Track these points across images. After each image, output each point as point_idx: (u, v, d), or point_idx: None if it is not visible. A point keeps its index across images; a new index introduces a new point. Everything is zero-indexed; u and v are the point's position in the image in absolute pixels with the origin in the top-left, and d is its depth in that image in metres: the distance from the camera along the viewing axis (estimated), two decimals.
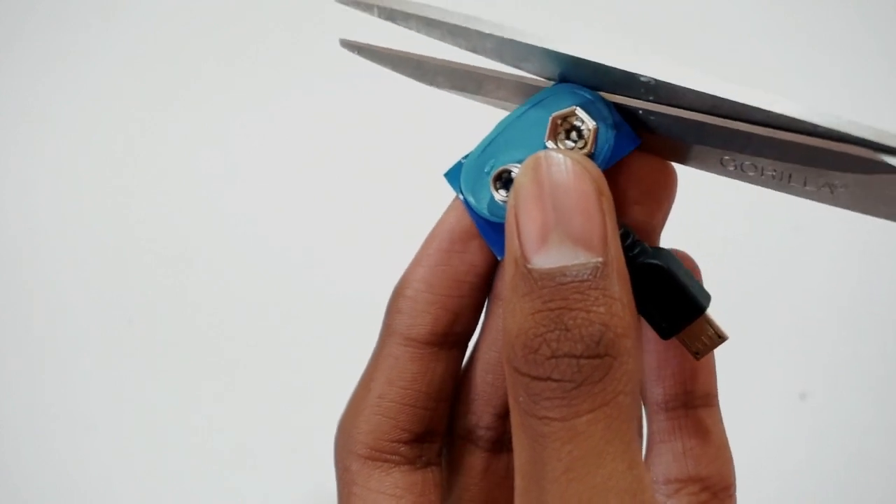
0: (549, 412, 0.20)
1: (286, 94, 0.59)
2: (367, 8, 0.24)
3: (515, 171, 0.23)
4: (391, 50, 0.25)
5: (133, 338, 0.56)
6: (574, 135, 0.23)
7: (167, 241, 0.58)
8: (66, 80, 0.60)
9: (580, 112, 0.23)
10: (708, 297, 0.24)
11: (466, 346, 0.26)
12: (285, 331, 0.56)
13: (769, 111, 0.21)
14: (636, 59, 0.22)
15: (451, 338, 0.26)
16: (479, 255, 0.25)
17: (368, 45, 0.26)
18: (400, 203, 0.57)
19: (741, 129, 0.21)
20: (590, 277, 0.20)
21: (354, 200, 0.58)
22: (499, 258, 0.25)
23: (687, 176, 0.25)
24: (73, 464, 0.55)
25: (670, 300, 0.23)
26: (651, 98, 0.22)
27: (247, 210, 0.58)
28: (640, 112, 0.23)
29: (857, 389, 0.54)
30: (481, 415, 0.26)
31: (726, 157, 0.23)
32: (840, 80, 0.57)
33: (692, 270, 0.25)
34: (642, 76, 0.22)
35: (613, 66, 0.22)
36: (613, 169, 0.23)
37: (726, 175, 0.23)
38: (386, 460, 0.25)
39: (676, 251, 0.25)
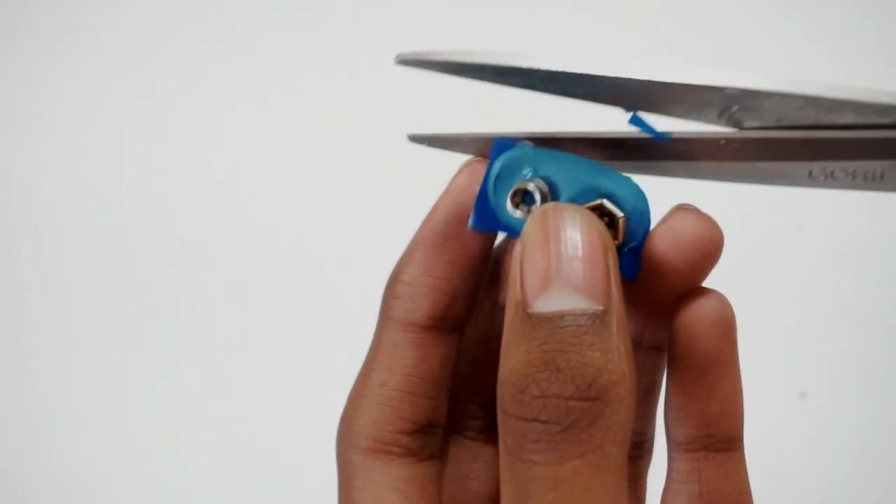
0: (533, 455, 0.20)
1: (286, 93, 0.59)
2: (434, 66, 0.24)
3: (538, 196, 0.23)
4: (463, 135, 0.25)
5: (133, 338, 0.56)
6: (606, 220, 0.23)
7: (167, 240, 0.58)
8: (65, 79, 0.60)
9: (608, 204, 0.23)
10: None
11: (462, 332, 0.26)
12: (286, 331, 0.56)
13: (867, 102, 0.21)
14: (716, 73, 0.22)
15: (448, 322, 0.26)
16: (475, 238, 0.25)
17: (437, 134, 0.25)
18: (400, 203, 0.57)
19: (836, 136, 0.21)
20: (588, 324, 0.20)
21: (354, 200, 0.58)
22: (468, 228, 0.25)
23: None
24: (73, 464, 0.55)
25: None
26: (735, 110, 0.22)
27: (247, 210, 0.58)
28: (723, 142, 0.22)
29: (857, 389, 0.54)
30: (465, 405, 0.27)
31: (815, 170, 0.22)
32: (841, 80, 0.57)
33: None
34: (728, 88, 0.22)
35: (697, 83, 0.22)
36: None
37: (811, 185, 0.23)
38: (388, 452, 0.25)
39: (718, 294, 0.25)
